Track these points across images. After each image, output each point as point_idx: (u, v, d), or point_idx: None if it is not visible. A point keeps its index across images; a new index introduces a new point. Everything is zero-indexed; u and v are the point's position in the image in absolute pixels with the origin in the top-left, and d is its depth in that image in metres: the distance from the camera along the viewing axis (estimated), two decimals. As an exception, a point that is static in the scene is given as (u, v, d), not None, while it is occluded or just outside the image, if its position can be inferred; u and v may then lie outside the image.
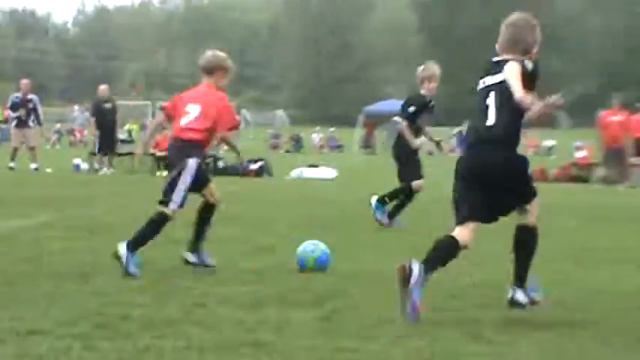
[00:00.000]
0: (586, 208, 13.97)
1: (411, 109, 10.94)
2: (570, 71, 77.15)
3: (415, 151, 11.08)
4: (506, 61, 5.80)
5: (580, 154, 28.63)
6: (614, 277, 7.26)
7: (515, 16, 6.03)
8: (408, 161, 11.10)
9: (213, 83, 7.64)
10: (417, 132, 10.98)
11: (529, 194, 5.82)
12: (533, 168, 6.00)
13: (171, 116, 7.55)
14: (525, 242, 5.91)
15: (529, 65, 5.75)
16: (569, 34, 79.21)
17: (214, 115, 7.33)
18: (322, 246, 7.45)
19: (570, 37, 78.47)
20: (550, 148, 46.65)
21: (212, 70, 7.64)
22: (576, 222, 11.59)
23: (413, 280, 5.41)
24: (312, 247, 7.45)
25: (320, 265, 7.32)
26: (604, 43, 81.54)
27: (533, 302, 5.79)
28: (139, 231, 7.05)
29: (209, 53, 7.79)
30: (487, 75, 5.91)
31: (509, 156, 5.73)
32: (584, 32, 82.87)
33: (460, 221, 5.73)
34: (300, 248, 7.43)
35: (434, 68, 11.01)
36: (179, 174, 7.16)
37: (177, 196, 7.09)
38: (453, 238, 5.69)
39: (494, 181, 5.69)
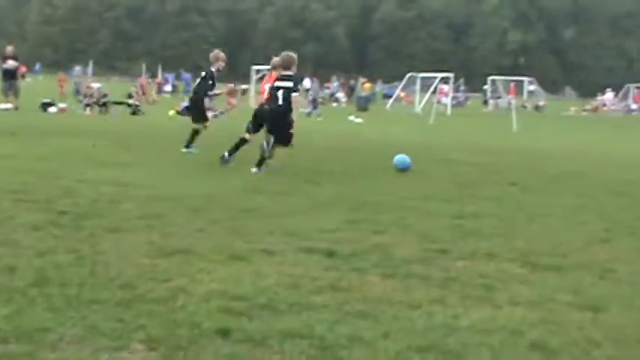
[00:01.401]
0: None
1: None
2: None
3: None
4: (290, 76, 13.33)
5: None
6: None
7: (285, 53, 13.67)
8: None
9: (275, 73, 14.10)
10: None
11: (285, 135, 13.38)
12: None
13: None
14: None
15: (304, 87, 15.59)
16: None
17: None
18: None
19: None
20: None
21: (275, 67, 14.23)
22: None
23: (225, 158, 13.51)
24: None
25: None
26: None
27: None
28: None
29: (275, 59, 14.31)
30: (280, 80, 13.39)
31: (284, 117, 13.26)
32: None
33: (248, 131, 13.94)
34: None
35: (218, 54, 16.28)
36: None
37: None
38: (244, 138, 13.87)
39: (275, 120, 13.36)
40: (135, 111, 34.44)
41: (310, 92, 61.94)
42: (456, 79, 63.19)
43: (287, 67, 13.57)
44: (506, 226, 9.04)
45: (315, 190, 11.36)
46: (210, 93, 16.41)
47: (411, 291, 5.96)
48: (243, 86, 65.69)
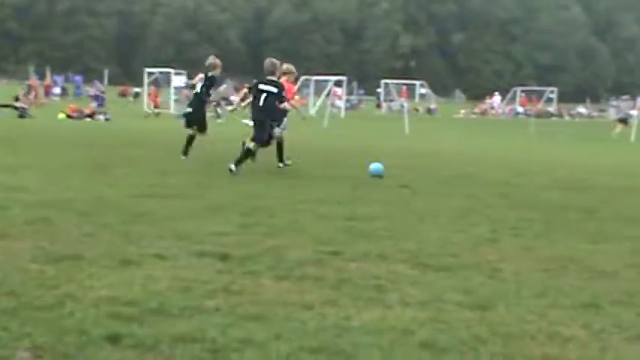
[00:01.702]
0: None
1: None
2: None
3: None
4: (274, 80, 14.20)
5: None
6: None
7: (269, 59, 14.48)
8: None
9: (288, 79, 15.21)
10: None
11: (263, 134, 14.12)
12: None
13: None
14: (279, 145, 14.84)
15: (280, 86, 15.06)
16: None
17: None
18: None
19: None
20: None
21: (285, 73, 15.22)
22: None
23: (235, 169, 13.43)
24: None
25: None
26: None
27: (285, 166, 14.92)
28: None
29: (285, 65, 15.31)
30: (262, 83, 14.17)
31: (265, 117, 14.09)
32: None
33: (257, 142, 14.17)
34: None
35: (215, 61, 16.17)
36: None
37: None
38: (250, 148, 14.13)
39: (256, 119, 14.18)
40: (22, 114, 33.58)
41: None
42: (349, 82, 63.79)
43: (271, 73, 14.37)
44: (397, 228, 9.16)
45: (207, 193, 11.29)
46: (207, 98, 16.51)
47: (304, 293, 5.98)
48: (137, 89, 64.72)
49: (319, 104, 52.45)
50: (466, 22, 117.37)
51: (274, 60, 14.62)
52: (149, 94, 53.23)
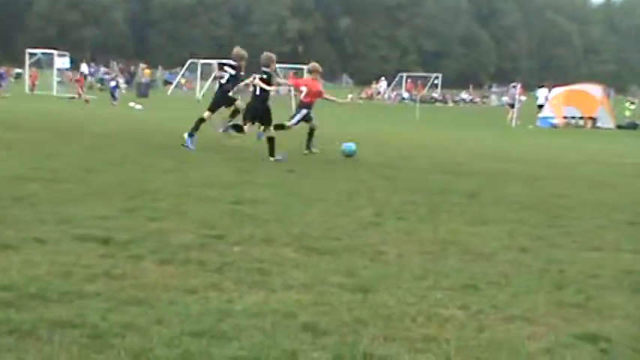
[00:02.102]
0: None
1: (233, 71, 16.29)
2: None
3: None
4: (266, 72, 14.83)
5: None
6: None
7: (265, 53, 15.28)
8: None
9: (314, 77, 16.72)
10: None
11: (267, 121, 14.89)
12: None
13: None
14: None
15: (264, 75, 14.83)
16: None
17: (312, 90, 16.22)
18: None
19: None
20: None
21: (311, 71, 16.89)
22: None
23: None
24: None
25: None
26: None
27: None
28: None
29: (312, 64, 17.07)
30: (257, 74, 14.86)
31: (262, 105, 14.87)
32: None
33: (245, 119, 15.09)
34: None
35: (240, 52, 16.51)
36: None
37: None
38: (241, 127, 15.44)
39: (257, 111, 14.86)
40: None
41: (90, 78, 60.29)
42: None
43: (265, 65, 15.06)
44: (283, 212, 9.19)
45: (90, 177, 11.07)
46: (233, 87, 16.54)
47: (188, 277, 5.95)
48: (18, 70, 62.87)
49: (206, 88, 52.00)
50: (352, 7, 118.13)
51: (270, 54, 15.38)
52: (30, 76, 51.83)
